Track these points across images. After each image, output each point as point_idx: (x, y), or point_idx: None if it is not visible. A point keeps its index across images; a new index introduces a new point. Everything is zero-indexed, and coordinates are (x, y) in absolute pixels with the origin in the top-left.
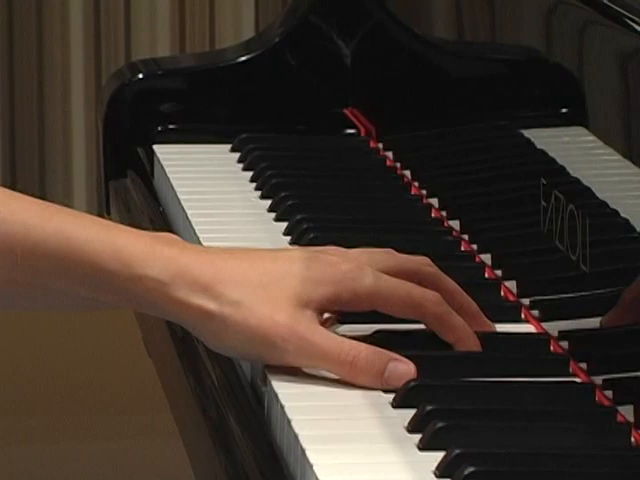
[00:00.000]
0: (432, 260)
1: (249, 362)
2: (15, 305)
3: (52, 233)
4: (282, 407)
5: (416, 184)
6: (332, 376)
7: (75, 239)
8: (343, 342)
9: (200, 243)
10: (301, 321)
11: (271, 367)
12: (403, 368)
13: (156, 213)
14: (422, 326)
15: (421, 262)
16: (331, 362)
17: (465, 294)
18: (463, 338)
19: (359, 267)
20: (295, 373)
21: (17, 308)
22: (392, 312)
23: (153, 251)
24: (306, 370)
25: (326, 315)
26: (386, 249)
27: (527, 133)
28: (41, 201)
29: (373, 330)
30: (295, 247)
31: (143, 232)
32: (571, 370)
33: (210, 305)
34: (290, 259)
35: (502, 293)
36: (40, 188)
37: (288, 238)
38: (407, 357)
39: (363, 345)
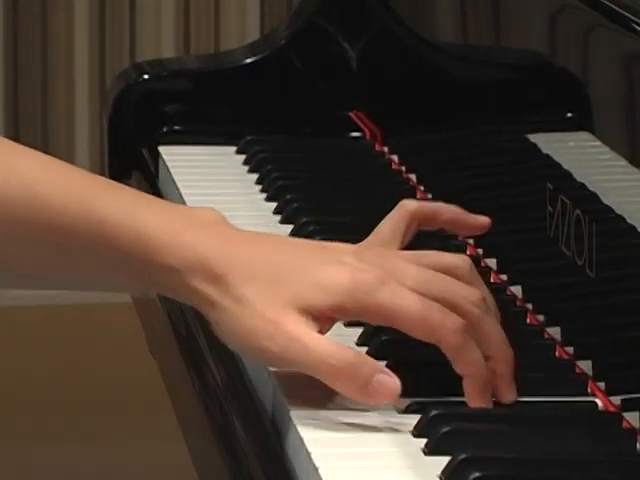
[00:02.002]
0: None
1: (249, 359)
2: (46, 284)
3: (79, 213)
4: (288, 410)
5: (421, 188)
6: None
7: (102, 219)
8: (331, 346)
9: None
10: (294, 323)
11: (277, 371)
12: (389, 382)
13: None
14: None
15: (468, 296)
16: (315, 366)
17: (507, 351)
18: (474, 376)
19: (379, 279)
20: (302, 377)
21: (48, 287)
22: (405, 331)
23: (175, 238)
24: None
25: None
26: (448, 261)
27: (533, 138)
28: (66, 166)
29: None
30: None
31: (174, 210)
32: (577, 375)
33: (216, 296)
34: (308, 258)
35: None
36: None
37: None
38: (409, 361)
39: (352, 352)
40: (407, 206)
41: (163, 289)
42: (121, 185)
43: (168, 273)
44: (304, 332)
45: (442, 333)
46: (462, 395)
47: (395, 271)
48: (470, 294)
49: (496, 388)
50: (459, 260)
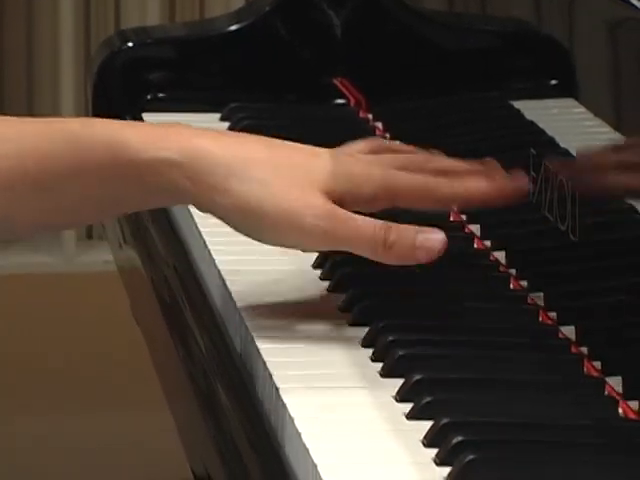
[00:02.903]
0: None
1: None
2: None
3: (61, 139)
4: (270, 375)
5: None
6: (320, 343)
7: (88, 138)
8: (374, 222)
9: (188, 210)
10: (326, 202)
11: (260, 335)
12: (434, 237)
13: None
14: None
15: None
16: (365, 241)
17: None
18: (468, 198)
19: (377, 166)
20: (285, 342)
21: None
22: (410, 203)
23: (167, 132)
24: (295, 338)
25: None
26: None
27: (517, 104)
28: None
29: None
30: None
31: (150, 123)
32: (560, 340)
33: (229, 184)
34: (313, 150)
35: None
36: None
37: None
38: (395, 325)
39: (390, 223)
40: (374, 138)
41: (165, 192)
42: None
43: (163, 166)
44: (346, 212)
45: (441, 189)
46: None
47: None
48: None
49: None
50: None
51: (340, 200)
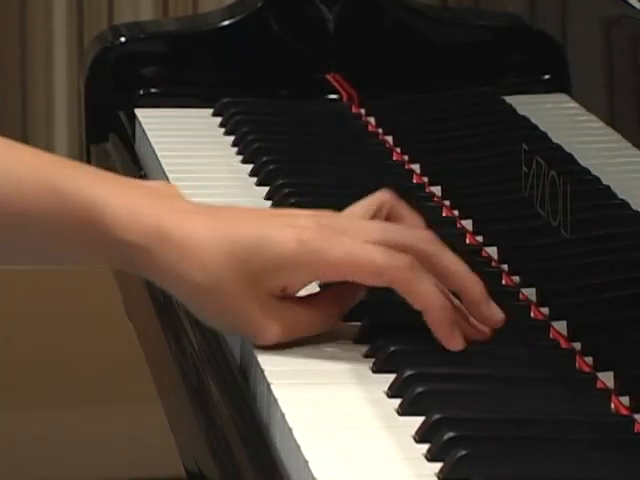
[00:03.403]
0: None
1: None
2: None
3: (44, 189)
4: (262, 371)
5: (398, 150)
6: (312, 339)
7: (64, 194)
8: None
9: None
10: (280, 306)
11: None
12: None
13: (137, 177)
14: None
15: (419, 237)
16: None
17: (472, 277)
18: (430, 308)
19: (326, 236)
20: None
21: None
22: (360, 281)
23: (140, 213)
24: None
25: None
26: (391, 224)
27: (510, 99)
28: (30, 149)
29: None
30: (279, 211)
31: (133, 187)
32: (552, 336)
33: (186, 272)
34: (261, 228)
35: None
36: None
37: (270, 202)
38: (386, 321)
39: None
40: (383, 193)
41: (126, 265)
42: (82, 164)
43: (129, 248)
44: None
45: (391, 272)
46: None
47: (345, 228)
48: (422, 234)
49: (482, 315)
50: (422, 233)
51: (280, 291)
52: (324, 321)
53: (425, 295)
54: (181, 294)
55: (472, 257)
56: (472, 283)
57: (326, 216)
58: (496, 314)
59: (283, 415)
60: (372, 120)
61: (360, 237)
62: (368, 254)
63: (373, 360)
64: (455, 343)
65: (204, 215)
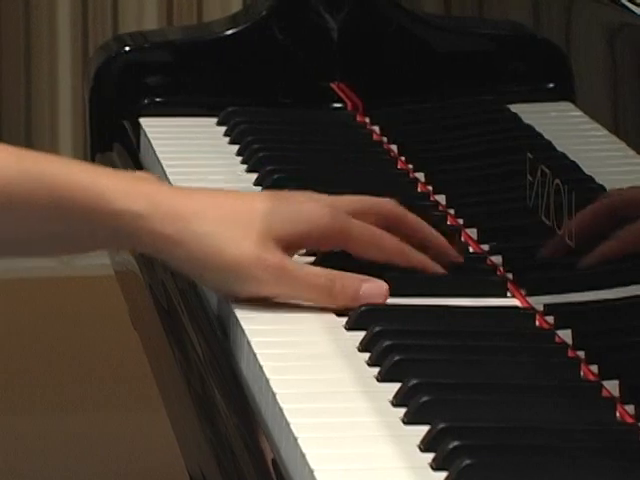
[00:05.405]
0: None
1: (223, 295)
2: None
3: (36, 179)
4: (267, 381)
5: (402, 158)
6: (317, 347)
7: (60, 182)
8: (318, 271)
9: None
10: (276, 253)
11: (257, 340)
12: (377, 287)
13: None
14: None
15: (386, 202)
16: (310, 291)
17: (430, 228)
18: (398, 255)
19: (325, 206)
20: (282, 347)
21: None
22: (357, 251)
23: (134, 188)
24: (292, 343)
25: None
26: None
27: (514, 108)
28: (20, 149)
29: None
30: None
31: (122, 172)
32: (557, 344)
33: (185, 235)
34: (259, 198)
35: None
36: None
37: None
38: (391, 330)
39: (336, 272)
40: (380, 199)
41: (122, 238)
42: (72, 159)
43: (131, 220)
44: (291, 262)
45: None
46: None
47: (328, 201)
48: (391, 200)
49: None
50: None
51: (288, 243)
52: (329, 288)
53: (420, 261)
54: (179, 254)
55: (476, 265)
56: (435, 236)
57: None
58: (456, 256)
59: (288, 424)
60: (377, 129)
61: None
62: (370, 229)
63: (378, 369)
64: (427, 262)
65: (202, 191)
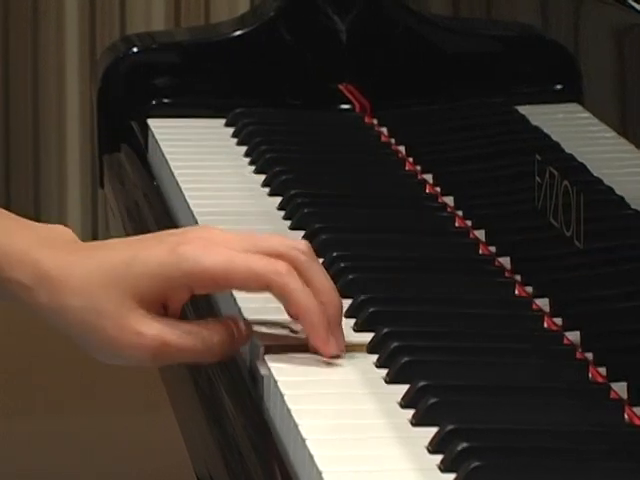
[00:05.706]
0: (423, 235)
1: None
2: None
3: None
4: (275, 382)
5: (410, 160)
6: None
7: None
8: (187, 334)
9: (194, 217)
10: (152, 324)
11: (265, 341)
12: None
13: (150, 187)
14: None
15: (293, 246)
16: (189, 357)
17: (333, 294)
18: (309, 315)
19: (202, 246)
20: (289, 349)
21: None
22: (240, 289)
23: (28, 254)
24: (299, 345)
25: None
26: (269, 235)
27: (522, 109)
28: None
29: None
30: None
31: (30, 229)
32: (565, 346)
33: (66, 310)
34: (136, 249)
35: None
36: (34, 163)
37: (282, 213)
38: (400, 331)
39: (201, 327)
40: (299, 246)
41: (19, 303)
42: None
43: (18, 287)
44: (166, 332)
45: (269, 277)
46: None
47: (219, 239)
48: (296, 243)
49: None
50: (297, 243)
51: (154, 300)
52: (208, 346)
53: (301, 299)
54: (65, 326)
55: (485, 267)
56: (333, 302)
57: (200, 229)
58: (336, 346)
59: (296, 425)
60: (385, 130)
61: (235, 247)
62: (244, 260)
63: (386, 371)
64: (330, 348)
65: (88, 251)
